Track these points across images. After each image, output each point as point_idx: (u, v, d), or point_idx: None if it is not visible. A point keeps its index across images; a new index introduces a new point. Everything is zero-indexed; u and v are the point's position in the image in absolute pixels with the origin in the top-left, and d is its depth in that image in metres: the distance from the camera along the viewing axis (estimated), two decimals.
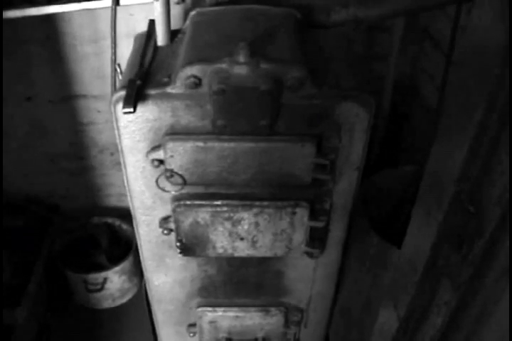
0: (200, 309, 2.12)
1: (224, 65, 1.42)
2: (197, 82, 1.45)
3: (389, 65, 2.62)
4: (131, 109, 1.39)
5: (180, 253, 1.82)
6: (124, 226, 3.16)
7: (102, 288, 2.95)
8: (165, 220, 1.77)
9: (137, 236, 1.88)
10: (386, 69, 2.64)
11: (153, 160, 1.58)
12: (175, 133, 1.55)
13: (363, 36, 2.60)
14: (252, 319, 2.17)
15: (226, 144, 1.54)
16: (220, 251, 1.81)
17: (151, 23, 1.69)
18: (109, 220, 3.21)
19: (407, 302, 1.20)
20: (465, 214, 0.92)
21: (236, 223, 1.73)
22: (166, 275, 2.00)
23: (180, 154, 1.55)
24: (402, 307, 1.24)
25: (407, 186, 2.07)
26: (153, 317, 2.28)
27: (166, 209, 1.75)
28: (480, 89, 0.86)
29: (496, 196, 0.84)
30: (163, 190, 1.65)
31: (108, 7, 2.06)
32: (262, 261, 1.95)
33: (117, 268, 2.93)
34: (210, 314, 2.14)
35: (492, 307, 0.93)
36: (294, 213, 1.70)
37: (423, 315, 1.15)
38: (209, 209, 1.69)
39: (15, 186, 3.05)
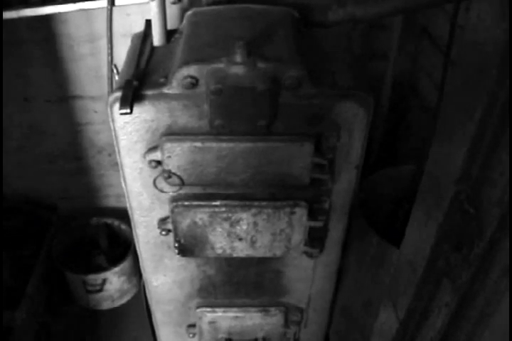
0: (199, 309, 2.12)
1: (221, 65, 1.41)
2: (194, 82, 1.44)
3: (388, 63, 2.61)
4: (128, 110, 1.38)
5: (179, 253, 1.81)
6: (123, 227, 3.15)
7: (101, 289, 2.94)
8: (163, 221, 1.76)
9: (135, 237, 1.87)
10: (385, 67, 2.63)
11: (150, 161, 1.57)
12: (172, 133, 1.54)
13: (361, 35, 2.60)
14: (251, 319, 2.16)
15: (224, 144, 1.53)
16: (219, 251, 1.81)
17: (148, 23, 1.68)
18: (108, 221, 3.20)
19: (406, 303, 1.20)
20: (465, 215, 0.91)
21: (234, 223, 1.72)
22: (165, 275, 1.99)
23: (177, 155, 1.54)
24: (401, 307, 1.23)
25: (407, 185, 2.06)
26: (153, 318, 2.27)
27: (164, 210, 1.74)
28: (479, 88, 0.85)
29: (496, 197, 0.83)
30: (161, 190, 1.64)
31: (104, 7, 2.05)
32: (261, 261, 1.95)
33: (116, 269, 2.92)
34: (209, 314, 2.13)
35: (493, 309, 0.92)
36: (292, 213, 1.69)
37: (423, 316, 1.14)
38: (207, 209, 1.68)
39: (13, 187, 3.04)
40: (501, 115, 0.80)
